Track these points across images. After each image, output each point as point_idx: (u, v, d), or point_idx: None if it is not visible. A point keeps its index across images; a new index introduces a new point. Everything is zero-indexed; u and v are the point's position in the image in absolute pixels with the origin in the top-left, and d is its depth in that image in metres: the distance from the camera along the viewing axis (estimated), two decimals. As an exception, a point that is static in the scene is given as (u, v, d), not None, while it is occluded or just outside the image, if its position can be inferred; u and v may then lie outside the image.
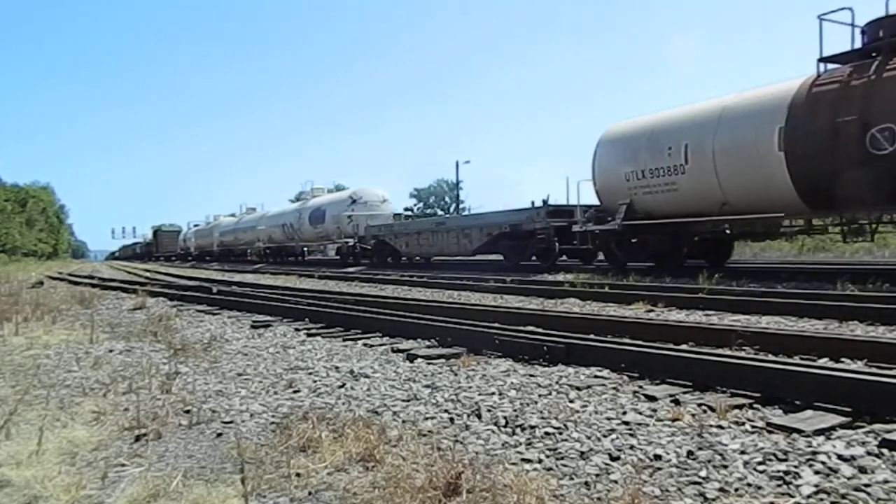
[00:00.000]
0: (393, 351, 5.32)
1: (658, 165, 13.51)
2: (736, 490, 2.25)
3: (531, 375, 4.11)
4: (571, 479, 2.44)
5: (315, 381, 4.27)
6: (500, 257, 19.52)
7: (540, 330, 5.49)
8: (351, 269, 22.52)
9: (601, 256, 17.20)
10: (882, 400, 2.92)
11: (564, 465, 2.57)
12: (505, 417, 3.19)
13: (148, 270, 30.76)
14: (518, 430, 3.02)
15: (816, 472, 2.33)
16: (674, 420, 3.04)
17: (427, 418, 3.28)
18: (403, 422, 3.25)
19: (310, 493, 2.39)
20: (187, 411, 3.57)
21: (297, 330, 6.86)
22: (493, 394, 3.66)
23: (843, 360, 4.14)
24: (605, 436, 2.86)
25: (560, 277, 13.32)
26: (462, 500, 2.22)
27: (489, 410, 3.33)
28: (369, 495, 2.32)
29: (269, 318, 8.04)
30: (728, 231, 14.15)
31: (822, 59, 11.00)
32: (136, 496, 2.41)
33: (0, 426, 3.25)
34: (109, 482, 2.57)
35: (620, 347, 4.33)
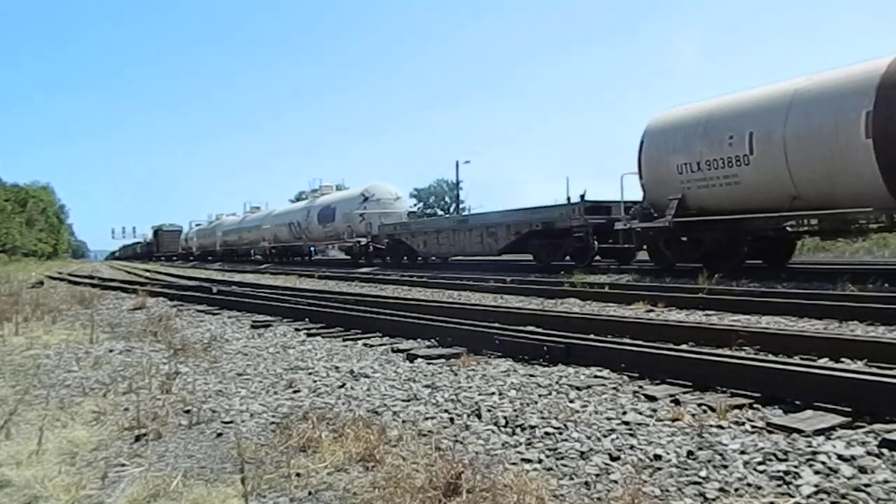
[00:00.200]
0: (393, 351, 5.32)
1: (716, 156, 12.19)
2: (736, 490, 2.25)
3: (531, 375, 4.11)
4: (571, 479, 2.44)
5: (315, 381, 4.27)
6: (529, 257, 18.30)
7: (540, 330, 5.49)
8: (365, 270, 21.74)
9: (640, 256, 16.21)
10: (882, 400, 2.92)
11: (564, 465, 2.57)
12: (505, 417, 3.19)
13: (148, 270, 30.76)
14: (518, 430, 3.02)
15: (816, 472, 2.33)
16: (674, 420, 3.04)
17: (427, 418, 3.28)
18: (403, 422, 3.25)
19: (310, 493, 2.39)
20: (187, 411, 3.57)
21: (297, 330, 6.86)
22: (493, 394, 3.66)
23: (843, 360, 4.14)
24: (605, 436, 2.86)
25: (561, 278, 13.20)
26: (462, 500, 2.22)
27: (489, 410, 3.33)
28: (369, 495, 2.32)
29: (269, 318, 8.04)
30: (792, 229, 12.99)
31: None
32: (136, 496, 2.41)
33: (0, 426, 3.25)
34: (109, 482, 2.57)
35: (620, 347, 4.34)
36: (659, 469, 2.47)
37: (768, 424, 2.89)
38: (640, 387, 3.70)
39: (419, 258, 23.87)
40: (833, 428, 2.80)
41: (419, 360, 4.85)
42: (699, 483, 2.32)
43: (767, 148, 11.41)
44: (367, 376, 4.36)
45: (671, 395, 3.45)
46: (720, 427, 2.89)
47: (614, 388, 3.71)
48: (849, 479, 2.28)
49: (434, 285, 13.27)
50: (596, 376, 4.03)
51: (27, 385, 4.29)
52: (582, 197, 16.21)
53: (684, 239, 13.45)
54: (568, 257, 16.72)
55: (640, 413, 3.19)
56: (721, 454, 2.55)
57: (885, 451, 2.50)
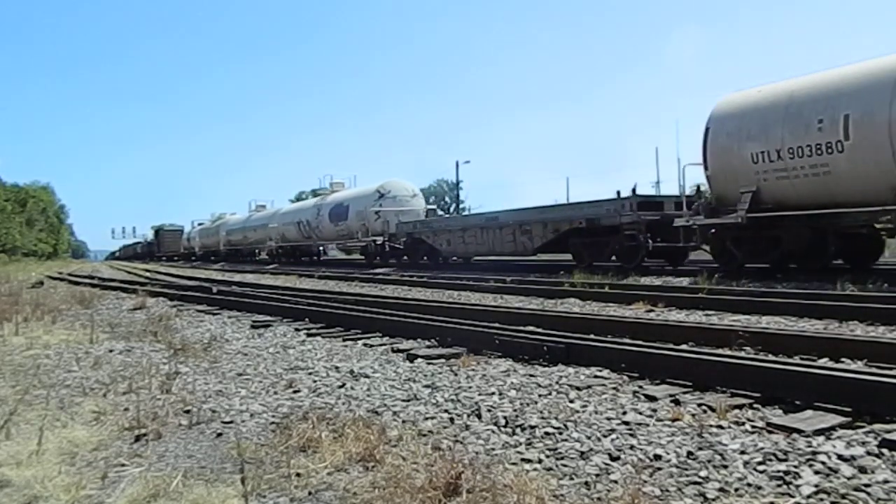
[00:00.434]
0: (393, 351, 5.32)
1: (801, 143, 10.85)
2: (736, 490, 2.25)
3: (531, 375, 4.11)
4: (571, 479, 2.44)
5: (315, 381, 4.27)
6: (568, 257, 16.90)
7: (540, 330, 5.49)
8: (380, 270, 20.87)
9: (692, 256, 15.17)
10: (882, 400, 2.92)
11: (564, 465, 2.57)
12: (505, 417, 3.19)
13: (148, 270, 30.75)
14: (518, 430, 3.01)
15: (816, 472, 2.33)
16: (674, 420, 3.04)
17: (427, 418, 3.28)
18: (403, 422, 3.25)
19: (310, 493, 2.39)
20: (187, 411, 3.57)
21: (297, 330, 6.86)
22: (493, 394, 3.66)
23: (843, 360, 4.14)
24: (605, 436, 2.86)
25: (562, 278, 13.04)
26: (462, 500, 2.22)
27: (489, 410, 3.33)
28: (369, 495, 2.32)
29: (269, 318, 8.03)
30: (881, 225, 11.64)
31: None
32: (136, 496, 2.41)
33: (0, 426, 3.25)
34: (109, 482, 2.57)
35: (620, 347, 4.34)
36: (659, 469, 2.47)
37: (768, 424, 2.89)
38: (640, 387, 3.70)
39: (441, 258, 22.42)
40: (833, 428, 2.80)
41: (419, 360, 4.85)
42: (699, 483, 2.32)
43: (868, 133, 10.06)
44: (367, 376, 4.36)
45: (671, 395, 3.45)
46: (720, 427, 2.89)
47: (614, 388, 3.71)
48: (849, 479, 2.28)
49: (434, 285, 13.27)
50: (596, 376, 4.03)
51: (27, 385, 4.29)
52: (633, 191, 14.83)
53: (757, 237, 11.96)
54: (614, 257, 15.27)
55: (640, 413, 3.19)
56: (721, 454, 2.55)
57: (885, 451, 2.50)
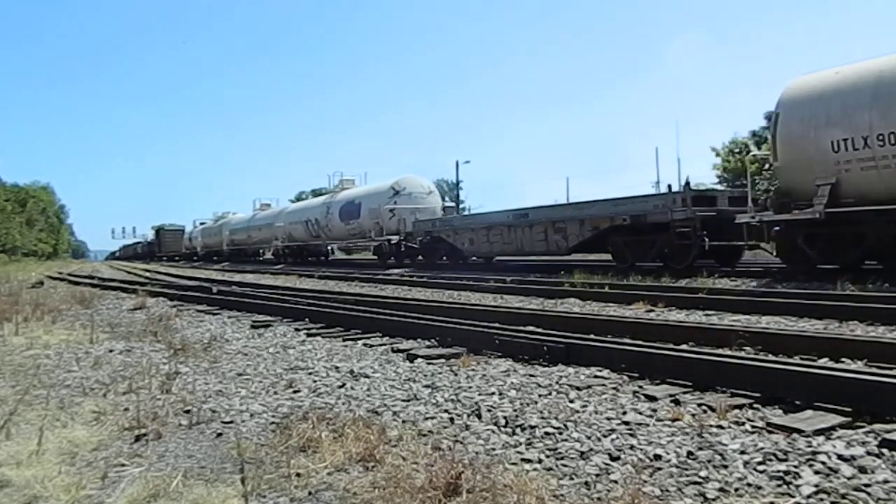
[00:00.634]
0: (393, 351, 5.32)
1: (895, 128, 9.83)
2: (736, 490, 2.25)
3: (531, 375, 4.11)
4: (571, 479, 2.44)
5: (315, 381, 4.27)
6: (606, 257, 15.84)
7: (540, 330, 5.48)
8: (395, 271, 19.89)
9: (746, 256, 14.14)
10: (882, 400, 2.92)
11: (564, 465, 2.57)
12: (505, 417, 3.19)
13: (148, 271, 30.75)
14: (518, 430, 3.01)
15: (816, 472, 2.33)
16: (674, 420, 3.04)
17: (427, 418, 3.28)
18: (403, 422, 3.25)
19: (310, 493, 2.39)
20: (187, 411, 3.57)
21: (297, 330, 6.86)
22: (493, 394, 3.66)
23: (843, 360, 4.14)
24: (605, 436, 2.86)
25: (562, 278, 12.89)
26: (462, 500, 2.22)
27: (489, 410, 3.33)
28: (369, 495, 2.32)
29: (269, 318, 8.03)
30: None
31: None
32: (136, 496, 2.41)
33: (0, 426, 3.25)
34: (109, 482, 2.57)
35: (620, 347, 4.33)
36: (659, 469, 2.47)
37: (768, 424, 2.89)
38: (640, 387, 3.70)
39: (461, 259, 20.93)
40: (833, 428, 2.80)
41: (419, 360, 4.85)
42: (699, 483, 2.32)
43: None
44: (367, 376, 4.36)
45: (671, 395, 3.45)
46: (720, 427, 2.89)
47: (614, 388, 3.71)
48: (849, 479, 2.28)
49: (434, 285, 13.26)
50: (596, 376, 4.03)
51: (27, 385, 4.29)
52: (687, 184, 13.78)
53: (835, 234, 10.84)
54: (658, 258, 13.99)
55: (640, 413, 3.19)
56: (721, 454, 2.55)
57: (885, 451, 2.50)
